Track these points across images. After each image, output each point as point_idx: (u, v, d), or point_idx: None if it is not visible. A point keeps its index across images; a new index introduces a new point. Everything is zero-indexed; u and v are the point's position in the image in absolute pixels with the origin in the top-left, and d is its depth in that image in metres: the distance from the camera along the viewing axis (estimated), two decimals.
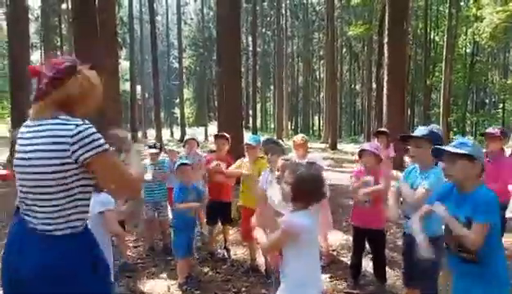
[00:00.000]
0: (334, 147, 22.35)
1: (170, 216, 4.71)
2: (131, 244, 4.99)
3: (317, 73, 48.87)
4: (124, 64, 31.75)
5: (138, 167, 1.87)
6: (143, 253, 4.78)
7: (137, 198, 4.43)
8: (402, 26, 12.14)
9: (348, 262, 4.05)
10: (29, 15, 15.40)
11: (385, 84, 12.27)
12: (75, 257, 1.55)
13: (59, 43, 29.30)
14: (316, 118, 50.90)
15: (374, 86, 25.61)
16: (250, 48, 35.92)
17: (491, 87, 35.34)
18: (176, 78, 42.53)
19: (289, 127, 42.71)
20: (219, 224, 4.81)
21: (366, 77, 34.61)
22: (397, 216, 2.99)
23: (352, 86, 47.00)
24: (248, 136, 4.66)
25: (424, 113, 30.01)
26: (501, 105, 31.10)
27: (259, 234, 2.26)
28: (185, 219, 3.76)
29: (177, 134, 33.97)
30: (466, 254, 2.05)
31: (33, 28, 27.00)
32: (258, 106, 41.55)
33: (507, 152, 4.09)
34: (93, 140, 1.53)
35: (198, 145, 5.28)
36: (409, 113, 29.89)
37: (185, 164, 3.86)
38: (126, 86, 31.34)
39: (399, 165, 9.08)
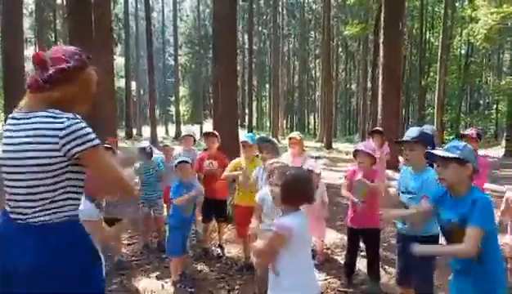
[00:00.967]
0: (329, 146, 22.42)
1: (165, 213, 4.70)
2: (125, 242, 4.97)
3: (313, 71, 48.94)
4: (119, 61, 31.56)
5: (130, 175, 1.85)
6: (137, 251, 4.76)
7: (131, 197, 4.38)
8: (398, 26, 12.20)
9: (342, 261, 4.07)
10: (24, 10, 15.20)
11: (380, 84, 12.33)
12: (66, 252, 1.53)
13: (53, 39, 29.07)
14: (312, 116, 51.00)
15: (369, 85, 25.68)
16: (246, 46, 35.94)
17: (486, 88, 35.56)
18: (171, 76, 42.38)
19: (285, 126, 42.77)
20: (214, 221, 4.80)
21: (361, 76, 34.69)
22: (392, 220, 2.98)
23: (348, 85, 47.12)
24: (244, 134, 4.64)
25: (419, 113, 30.14)
26: (495, 106, 31.29)
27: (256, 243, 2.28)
28: (182, 217, 3.74)
29: (172, 131, 33.87)
30: None
31: (27, 23, 26.68)
32: (254, 104, 41.49)
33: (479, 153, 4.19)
34: (83, 135, 1.51)
35: (195, 142, 5.26)
36: (404, 113, 30.02)
37: (185, 162, 3.82)
38: (121, 82, 31.12)
39: (393, 165, 9.11)
